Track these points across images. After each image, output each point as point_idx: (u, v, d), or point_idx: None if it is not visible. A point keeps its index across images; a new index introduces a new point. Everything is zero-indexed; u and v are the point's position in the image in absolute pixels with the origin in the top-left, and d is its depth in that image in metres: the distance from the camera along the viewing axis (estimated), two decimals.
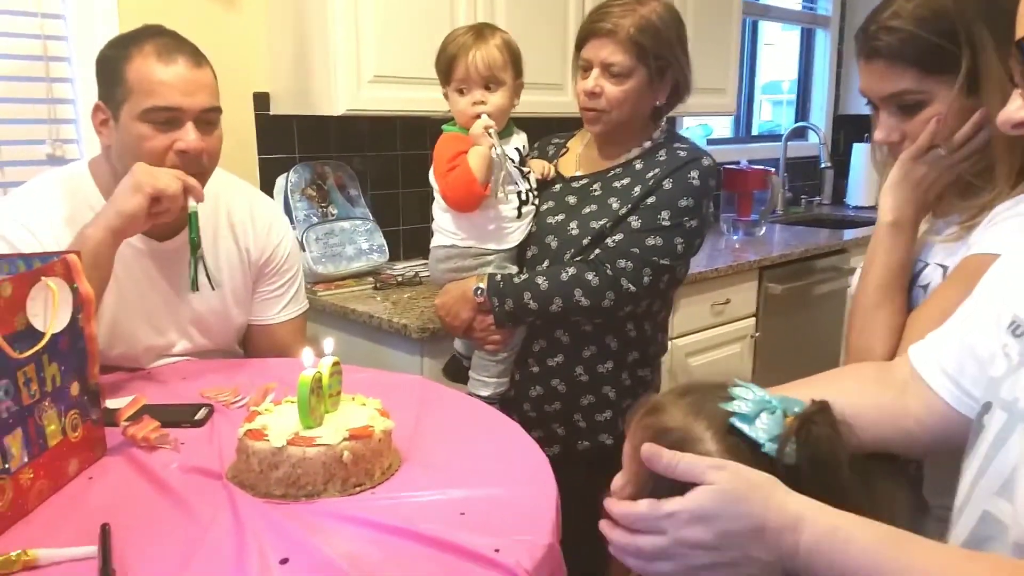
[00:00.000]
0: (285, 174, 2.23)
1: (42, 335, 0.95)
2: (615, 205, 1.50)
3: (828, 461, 0.72)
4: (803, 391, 0.92)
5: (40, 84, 1.87)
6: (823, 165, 3.94)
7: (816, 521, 0.66)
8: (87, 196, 1.40)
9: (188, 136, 1.32)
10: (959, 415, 0.86)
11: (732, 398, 0.75)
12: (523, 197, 1.56)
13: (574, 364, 1.55)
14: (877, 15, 1.02)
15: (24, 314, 0.93)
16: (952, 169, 1.05)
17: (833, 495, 0.69)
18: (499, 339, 1.55)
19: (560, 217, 1.56)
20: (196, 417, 1.19)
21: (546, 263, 1.54)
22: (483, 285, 1.51)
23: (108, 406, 1.13)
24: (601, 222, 1.50)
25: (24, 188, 1.42)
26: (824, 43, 4.32)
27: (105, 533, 0.86)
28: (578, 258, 1.50)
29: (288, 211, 2.16)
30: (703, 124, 3.43)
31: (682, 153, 1.51)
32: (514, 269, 1.57)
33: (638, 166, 1.53)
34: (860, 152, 4.08)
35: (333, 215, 2.27)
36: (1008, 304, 0.81)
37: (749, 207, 3.25)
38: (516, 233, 1.56)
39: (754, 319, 2.82)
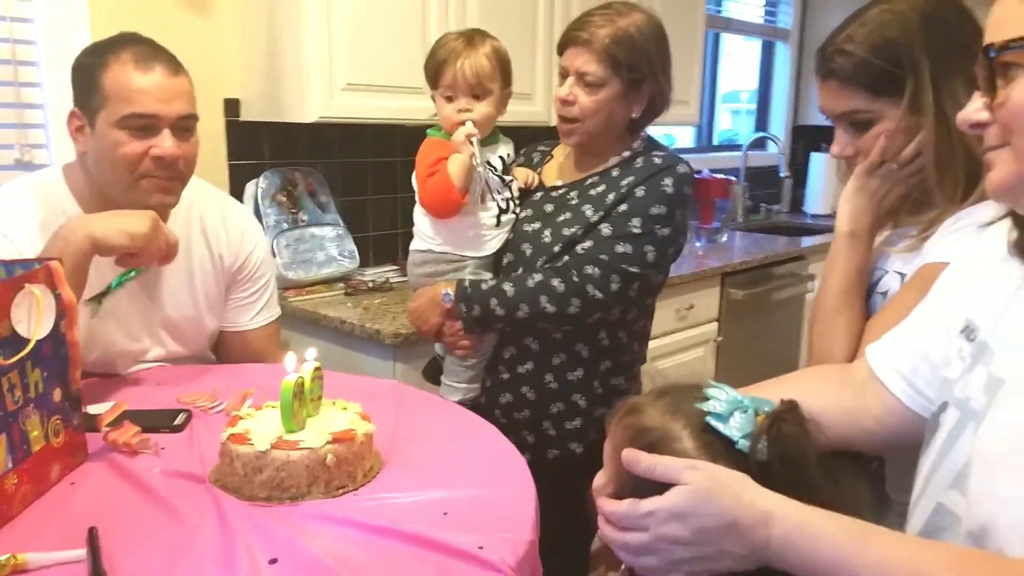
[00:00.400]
0: (255, 180, 2.23)
1: (26, 341, 0.96)
2: (588, 212, 1.50)
3: (797, 458, 0.77)
4: (770, 391, 0.97)
5: (8, 88, 1.85)
6: (782, 174, 4.05)
7: (785, 517, 0.71)
8: (60, 202, 1.40)
9: (164, 143, 1.34)
10: (914, 414, 0.91)
11: (707, 398, 0.79)
12: (503, 206, 1.57)
13: (543, 371, 1.55)
14: (834, 37, 1.11)
15: (8, 320, 0.94)
16: (903, 183, 1.12)
17: (802, 491, 0.74)
18: (468, 345, 1.57)
19: (536, 225, 1.56)
20: (175, 422, 1.19)
21: (520, 270, 1.54)
22: (451, 291, 1.52)
23: (89, 411, 1.13)
24: (573, 229, 1.50)
25: None
26: (784, 55, 4.43)
27: (93, 536, 0.87)
28: (547, 265, 1.50)
29: (258, 217, 2.16)
30: (667, 134, 3.50)
31: (657, 160, 1.51)
32: (488, 276, 1.58)
33: (614, 173, 1.53)
34: (818, 161, 4.20)
35: (303, 221, 2.28)
36: (959, 310, 0.87)
37: (711, 215, 3.33)
38: (493, 241, 1.58)
39: (716, 323, 2.90)
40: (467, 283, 1.52)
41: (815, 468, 0.77)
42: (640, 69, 1.47)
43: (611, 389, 1.59)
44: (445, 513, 0.94)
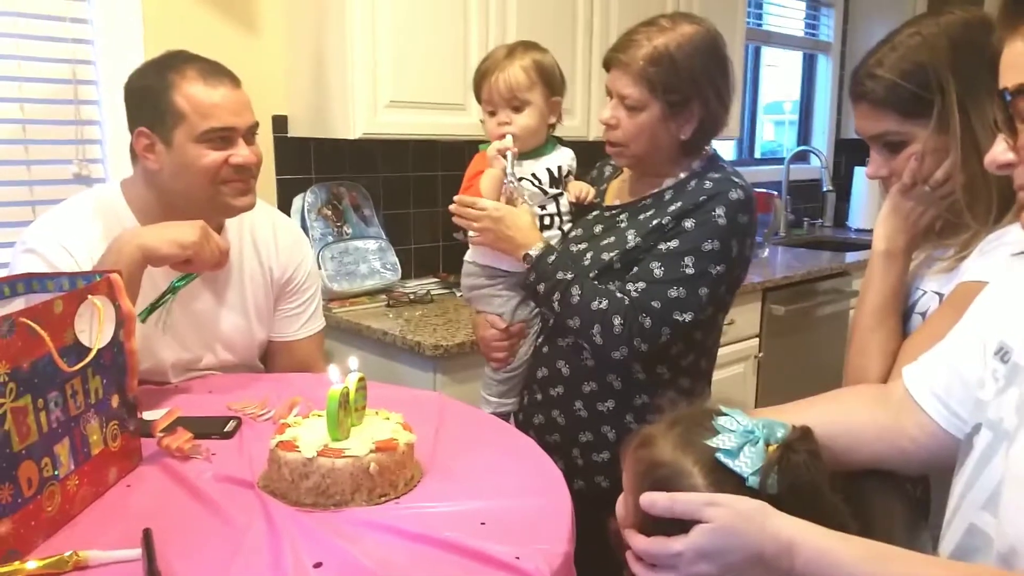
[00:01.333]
0: (302, 194, 2.30)
1: (87, 350, 1.01)
2: (629, 236, 1.42)
3: (807, 487, 0.79)
4: (805, 412, 0.98)
5: (68, 106, 1.94)
6: (825, 189, 4.01)
7: (807, 545, 0.73)
8: (120, 217, 1.46)
9: (242, 151, 1.44)
10: (949, 435, 0.91)
11: (717, 431, 0.81)
12: (546, 222, 1.54)
13: (574, 398, 1.48)
14: (865, 61, 1.13)
15: (72, 329, 0.99)
16: (937, 204, 1.13)
17: (816, 516, 0.76)
18: (501, 357, 1.56)
19: (583, 246, 1.49)
20: (225, 429, 1.24)
21: (595, 278, 1.43)
22: (533, 252, 1.44)
23: (144, 417, 1.18)
24: (612, 254, 1.43)
25: (59, 208, 1.48)
26: (826, 68, 4.40)
27: (148, 537, 0.91)
28: (621, 294, 1.38)
29: (304, 230, 2.22)
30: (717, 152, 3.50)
31: (707, 185, 1.39)
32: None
33: (666, 197, 1.44)
34: (861, 176, 4.15)
35: (348, 234, 2.34)
36: (994, 331, 0.87)
37: None
38: None
39: (757, 340, 2.88)
40: (551, 258, 1.43)
41: (828, 494, 0.79)
42: (681, 90, 1.38)
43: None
44: (483, 523, 0.97)
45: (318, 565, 0.87)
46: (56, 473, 0.95)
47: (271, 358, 1.69)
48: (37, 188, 1.91)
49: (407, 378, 1.97)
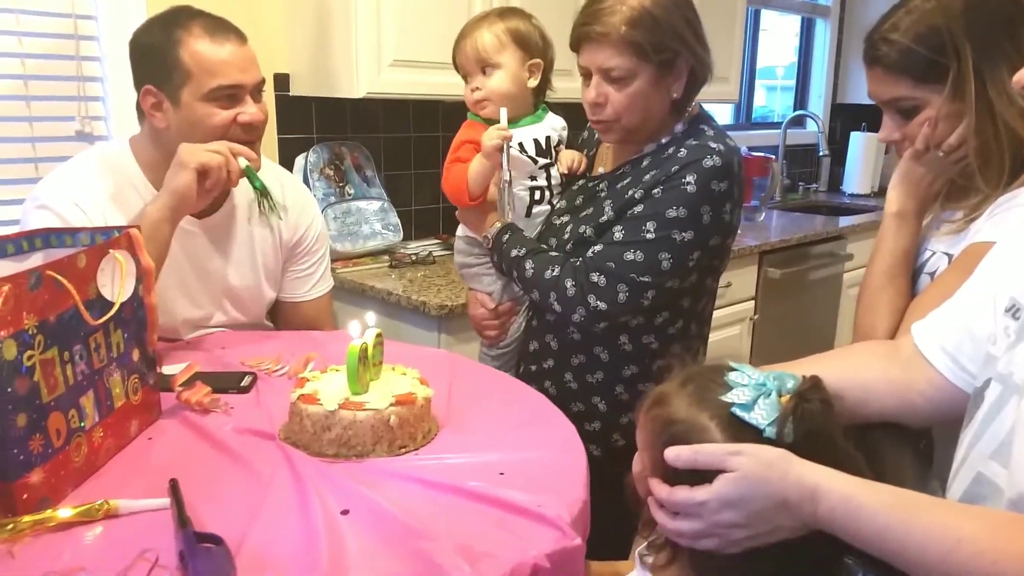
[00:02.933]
0: (304, 154, 2.29)
1: (110, 304, 1.02)
2: (606, 208, 1.39)
3: (822, 434, 0.81)
4: (817, 365, 1.00)
5: (70, 62, 1.92)
6: (821, 153, 4.02)
7: (831, 490, 0.75)
8: (129, 174, 1.46)
9: (250, 109, 1.43)
10: (957, 390, 0.94)
11: (730, 387, 0.83)
12: (535, 196, 1.51)
13: (564, 370, 1.48)
14: (880, 25, 1.12)
15: (95, 284, 1.00)
16: (949, 169, 1.14)
17: (831, 465, 0.78)
18: (493, 335, 1.58)
19: (565, 219, 1.47)
20: (242, 384, 1.26)
21: (551, 250, 1.44)
22: (490, 234, 1.47)
23: (163, 372, 1.20)
24: (588, 227, 1.40)
25: (68, 165, 1.48)
26: (824, 32, 4.38)
27: (175, 486, 0.93)
28: (571, 259, 1.39)
29: None
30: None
31: (682, 153, 1.34)
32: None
33: (644, 164, 1.39)
34: (857, 141, 4.16)
35: (350, 195, 2.33)
36: (1006, 288, 0.89)
37: (749, 193, 3.33)
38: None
39: (753, 302, 2.91)
40: (506, 237, 1.45)
41: (842, 441, 0.81)
42: (670, 47, 1.31)
43: (639, 395, 1.44)
44: (502, 473, 0.99)
45: (345, 512, 0.89)
46: (82, 425, 0.97)
47: (280, 317, 1.70)
48: (40, 145, 1.90)
49: (411, 337, 1.99)
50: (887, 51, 1.10)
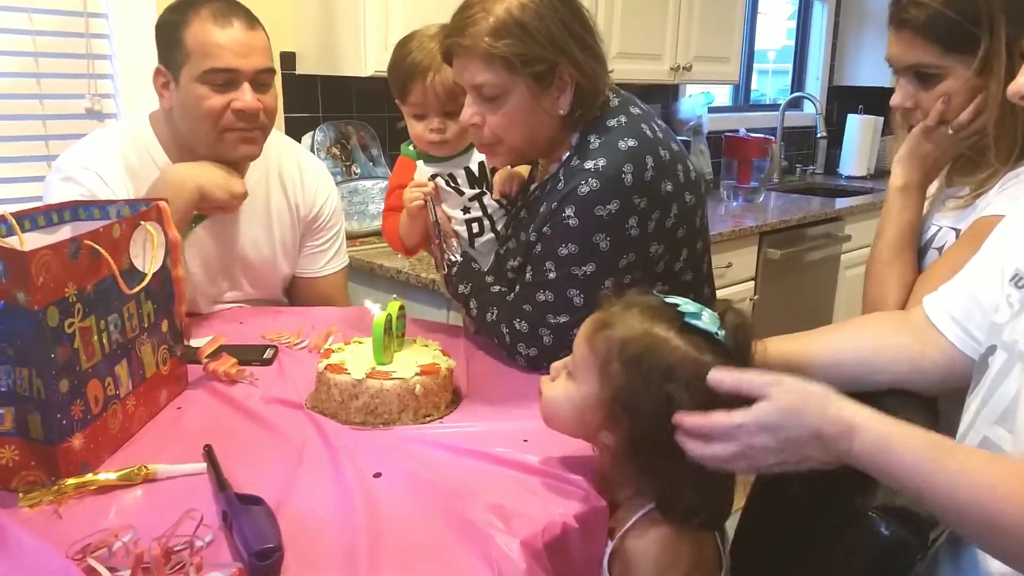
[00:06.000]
0: (311, 132, 2.30)
1: (142, 274, 1.04)
2: (531, 234, 1.25)
3: (749, 342, 0.89)
4: (831, 336, 1.04)
5: (80, 40, 1.92)
6: (819, 135, 4.05)
7: (868, 429, 0.77)
8: (149, 149, 1.48)
9: (245, 96, 1.40)
10: (965, 357, 0.97)
11: (675, 304, 0.88)
12: (475, 229, 1.39)
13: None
14: None
15: (128, 254, 1.02)
16: (956, 146, 1.16)
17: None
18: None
19: (505, 247, 1.35)
20: (264, 356, 1.28)
21: (493, 286, 1.33)
22: (445, 265, 1.38)
23: (189, 344, 1.22)
24: (517, 257, 1.28)
25: (90, 138, 1.49)
26: (821, 14, 4.40)
27: (210, 452, 0.95)
28: (508, 299, 1.28)
29: None
30: (705, 92, 3.52)
31: (560, 184, 1.20)
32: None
33: (548, 188, 1.25)
34: (854, 123, 4.19)
35: (356, 174, 2.35)
36: (1011, 259, 0.92)
37: (748, 174, 3.36)
38: (480, 260, 1.41)
39: (753, 283, 2.95)
40: (454, 272, 1.36)
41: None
42: (544, 57, 1.15)
43: None
44: (525, 440, 1.02)
45: (377, 475, 0.92)
46: (118, 392, 0.99)
47: (295, 292, 1.72)
48: (50, 123, 1.90)
49: (422, 315, 2.01)
50: (917, 14, 1.09)
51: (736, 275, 2.83)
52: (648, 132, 1.21)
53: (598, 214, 1.16)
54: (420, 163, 1.36)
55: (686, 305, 0.88)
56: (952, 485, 0.73)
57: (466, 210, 1.38)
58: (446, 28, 1.21)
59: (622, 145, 1.18)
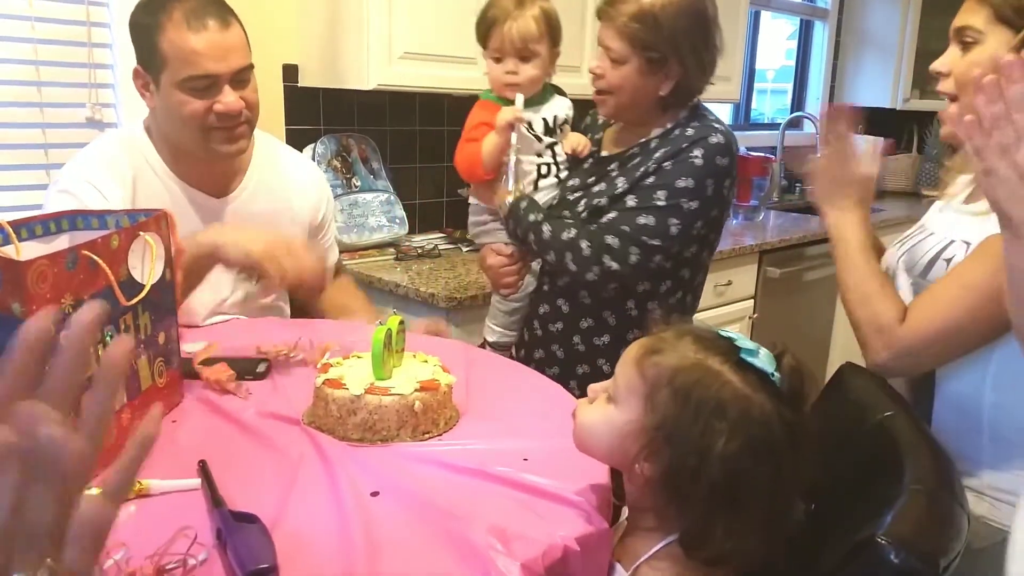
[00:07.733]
0: (312, 145, 2.30)
1: (140, 286, 1.03)
2: (619, 183, 1.51)
3: (806, 388, 0.85)
4: None
5: (81, 49, 1.92)
6: (819, 155, 4.04)
7: None
8: (145, 155, 1.47)
9: (227, 98, 1.40)
10: None
11: (729, 338, 0.86)
12: (543, 171, 1.60)
13: (572, 333, 1.59)
14: None
15: (126, 265, 1.01)
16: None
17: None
18: (511, 283, 1.63)
19: (578, 194, 1.58)
20: (258, 370, 1.26)
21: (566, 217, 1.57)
22: (508, 202, 1.56)
23: (184, 350, 1.20)
24: (601, 200, 1.52)
25: (87, 149, 1.48)
26: (822, 35, 4.42)
27: (205, 467, 0.94)
28: (587, 224, 1.51)
29: None
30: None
31: (689, 132, 1.48)
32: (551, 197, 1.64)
33: (652, 146, 1.52)
34: None
35: (357, 187, 2.34)
36: None
37: (748, 193, 3.36)
38: None
39: (752, 301, 2.94)
40: (523, 204, 1.55)
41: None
42: (660, 50, 1.44)
43: None
44: (525, 459, 1.00)
45: (375, 494, 0.91)
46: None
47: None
48: (50, 131, 1.90)
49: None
50: None
51: (735, 293, 2.83)
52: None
53: (717, 163, 1.46)
54: (519, 96, 1.54)
55: (742, 341, 0.85)
56: None
57: (539, 155, 1.61)
58: None
59: (726, 127, 1.50)
